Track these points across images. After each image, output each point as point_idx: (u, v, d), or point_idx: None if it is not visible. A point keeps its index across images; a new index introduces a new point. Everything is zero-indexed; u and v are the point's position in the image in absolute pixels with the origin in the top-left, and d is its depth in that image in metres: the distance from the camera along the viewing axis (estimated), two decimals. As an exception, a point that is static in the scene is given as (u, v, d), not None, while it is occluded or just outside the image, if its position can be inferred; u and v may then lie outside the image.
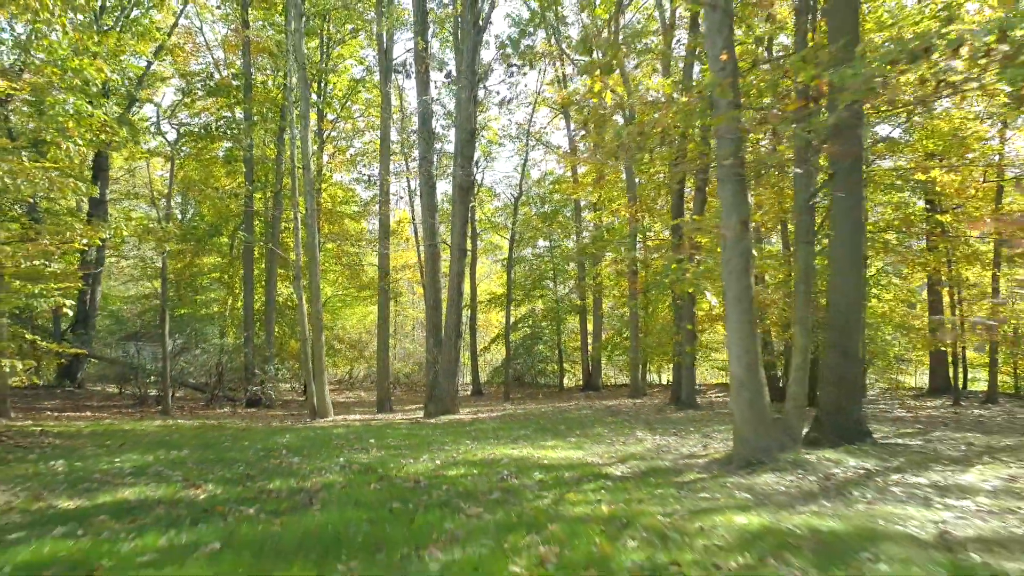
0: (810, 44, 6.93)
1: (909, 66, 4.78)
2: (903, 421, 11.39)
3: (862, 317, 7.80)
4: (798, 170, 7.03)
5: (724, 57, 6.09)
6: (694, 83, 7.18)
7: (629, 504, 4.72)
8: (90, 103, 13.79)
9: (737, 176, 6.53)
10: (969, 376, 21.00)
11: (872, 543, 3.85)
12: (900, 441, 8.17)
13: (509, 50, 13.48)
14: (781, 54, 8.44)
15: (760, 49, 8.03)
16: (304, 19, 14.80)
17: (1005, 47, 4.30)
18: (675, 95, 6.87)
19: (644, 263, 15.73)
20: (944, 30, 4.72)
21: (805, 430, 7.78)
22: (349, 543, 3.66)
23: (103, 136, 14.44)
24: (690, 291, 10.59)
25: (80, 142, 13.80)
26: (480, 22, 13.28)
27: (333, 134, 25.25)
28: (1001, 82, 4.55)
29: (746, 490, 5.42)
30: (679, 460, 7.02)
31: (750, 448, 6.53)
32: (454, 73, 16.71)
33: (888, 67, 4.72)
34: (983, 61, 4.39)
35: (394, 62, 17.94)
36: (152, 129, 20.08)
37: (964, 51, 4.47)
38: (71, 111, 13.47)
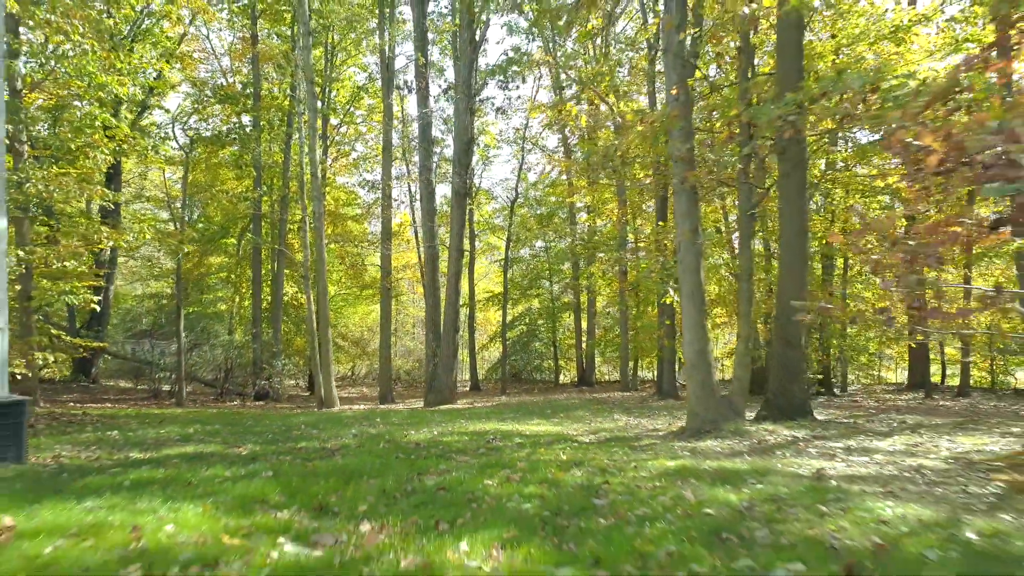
0: (750, 81, 8.25)
1: (812, 106, 6.12)
2: (862, 407, 12.72)
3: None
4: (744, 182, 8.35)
5: (675, 91, 7.42)
6: (650, 112, 8.50)
7: (585, 455, 6.06)
8: (114, 115, 15.19)
9: (689, 190, 7.86)
10: (948, 372, 22.24)
11: (762, 476, 5.17)
12: (840, 420, 9.49)
13: (499, 77, 14.76)
14: (731, 83, 9.73)
15: (705, 86, 9.36)
16: (311, 36, 16.16)
17: (875, 96, 5.63)
18: (639, 122, 8.18)
19: (633, 263, 17.04)
20: (839, 78, 6.05)
21: (757, 410, 9.10)
22: (367, 472, 5.00)
23: (125, 146, 15.84)
24: (654, 288, 11.90)
25: (106, 152, 15.15)
26: (476, 39, 14.61)
27: (336, 138, 26.59)
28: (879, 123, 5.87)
29: (688, 450, 6.75)
30: (642, 433, 8.35)
31: (700, 420, 7.86)
32: (452, 80, 18.04)
33: (795, 107, 6.06)
34: (861, 105, 5.73)
35: (395, 72, 19.29)
36: (164, 135, 21.48)
37: (848, 95, 5.81)
38: (98, 123, 14.86)
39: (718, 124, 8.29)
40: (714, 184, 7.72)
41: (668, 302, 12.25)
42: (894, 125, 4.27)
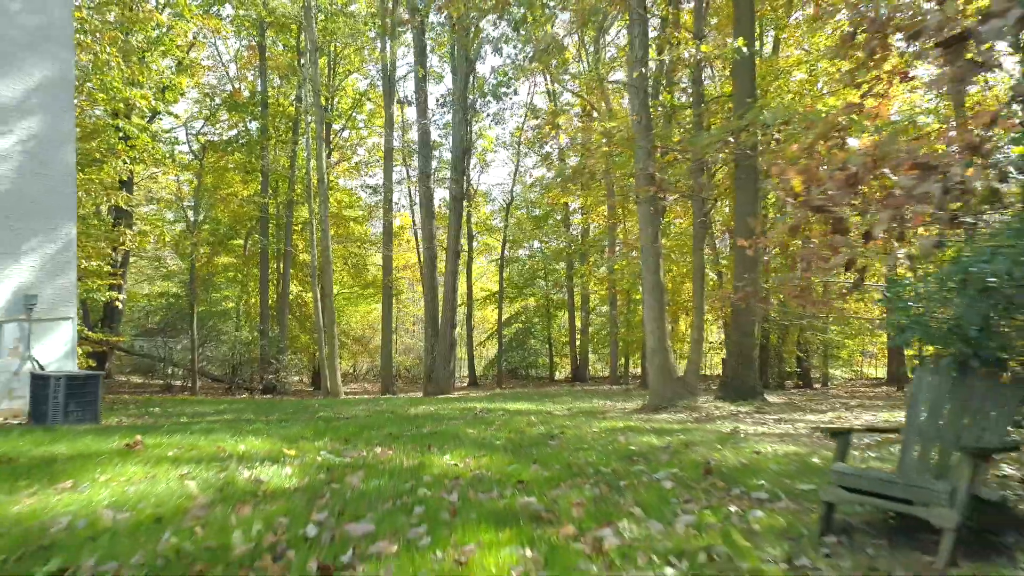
0: (702, 107, 9.75)
1: (737, 136, 7.62)
2: (821, 393, 14.20)
3: (756, 306, 10.59)
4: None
5: (635, 118, 8.92)
6: (614, 133, 9.97)
7: (553, 420, 7.57)
8: (143, 129, 16.72)
9: (649, 201, 9.35)
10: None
11: (689, 432, 6.66)
12: (787, 401, 10.97)
13: (491, 98, 16.24)
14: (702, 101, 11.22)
15: (660, 112, 10.84)
16: (318, 51, 17.66)
17: (788, 128, 7.13)
18: (603, 143, 9.66)
19: (617, 264, 18.51)
20: (759, 112, 7.55)
21: (714, 393, 10.58)
22: (376, 426, 6.51)
23: (145, 154, 17.39)
24: (626, 286, 13.40)
25: (127, 160, 16.69)
26: (471, 58, 16.11)
27: (339, 143, 28.12)
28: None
29: (643, 420, 8.24)
30: (610, 410, 9.84)
31: (659, 397, 9.36)
32: (451, 86, 19.52)
33: (722, 138, 7.55)
34: (774, 139, 7.22)
35: (396, 81, 20.81)
36: (173, 139, 23.04)
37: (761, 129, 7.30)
38: (120, 134, 16.40)
39: (667, 147, 9.74)
40: (663, 196, 9.11)
41: (637, 298, 13.74)
42: (778, 162, 5.74)
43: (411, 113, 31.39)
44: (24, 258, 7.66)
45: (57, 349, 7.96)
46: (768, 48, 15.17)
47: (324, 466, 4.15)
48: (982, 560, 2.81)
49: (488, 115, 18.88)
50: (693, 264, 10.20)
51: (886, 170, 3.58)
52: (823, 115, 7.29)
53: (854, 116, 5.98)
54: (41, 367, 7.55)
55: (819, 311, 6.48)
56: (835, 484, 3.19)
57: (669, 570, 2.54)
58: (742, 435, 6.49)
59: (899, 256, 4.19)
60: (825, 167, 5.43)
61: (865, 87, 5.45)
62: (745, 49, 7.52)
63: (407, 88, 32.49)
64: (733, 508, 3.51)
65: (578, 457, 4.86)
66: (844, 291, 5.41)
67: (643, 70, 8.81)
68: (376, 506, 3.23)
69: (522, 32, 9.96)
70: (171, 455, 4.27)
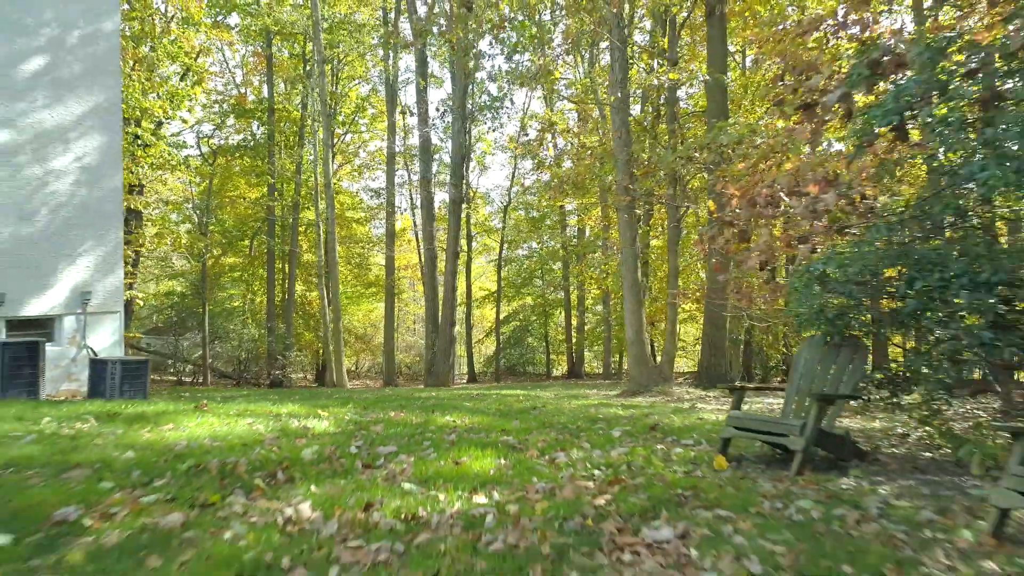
0: (674, 124, 11.05)
1: (697, 155, 8.91)
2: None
3: (728, 301, 11.89)
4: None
5: (616, 134, 10.21)
6: (590, 148, 11.26)
7: (538, 400, 8.87)
8: (153, 135, 18.04)
9: (629, 207, 10.65)
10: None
11: (654, 408, 7.94)
12: (756, 387, 12.23)
13: (488, 113, 17.53)
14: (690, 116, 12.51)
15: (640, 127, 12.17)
16: (324, 63, 18.96)
17: (740, 148, 8.41)
18: (586, 156, 10.96)
19: (607, 266, 19.82)
20: (718, 133, 8.83)
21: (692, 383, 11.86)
22: (386, 401, 7.81)
23: (160, 160, 18.70)
24: (611, 284, 14.70)
25: (145, 166, 17.99)
26: (469, 68, 17.38)
27: (341, 146, 29.42)
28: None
29: (619, 401, 9.52)
30: (593, 395, 11.13)
31: (636, 384, 10.65)
32: (450, 91, 20.81)
33: (685, 157, 8.84)
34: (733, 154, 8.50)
35: (399, 90, 22.11)
36: (181, 142, 24.37)
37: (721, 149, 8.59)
38: (139, 141, 17.71)
39: (641, 162, 11.03)
40: (638, 204, 10.37)
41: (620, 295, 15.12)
42: (719, 178, 7.03)
43: (412, 119, 32.64)
44: (80, 260, 8.97)
45: (107, 338, 9.28)
46: (750, 60, 16.49)
47: (353, 421, 5.45)
48: (822, 473, 4.10)
49: (486, 123, 20.13)
50: (668, 265, 11.49)
51: (781, 193, 4.83)
52: (772, 136, 8.54)
53: (790, 139, 7.26)
54: (95, 353, 8.86)
55: (744, 305, 7.75)
56: (730, 425, 4.49)
57: (597, 471, 3.83)
58: (697, 410, 7.78)
59: (802, 257, 5.47)
60: (761, 184, 6.70)
61: (793, 120, 6.75)
62: (709, 78, 8.80)
63: (409, 93, 33.84)
64: (660, 447, 4.81)
65: (552, 419, 6.16)
66: (760, 287, 6.68)
67: (619, 94, 10.11)
68: (396, 440, 4.53)
69: (514, 60, 11.29)
70: (233, 412, 5.57)
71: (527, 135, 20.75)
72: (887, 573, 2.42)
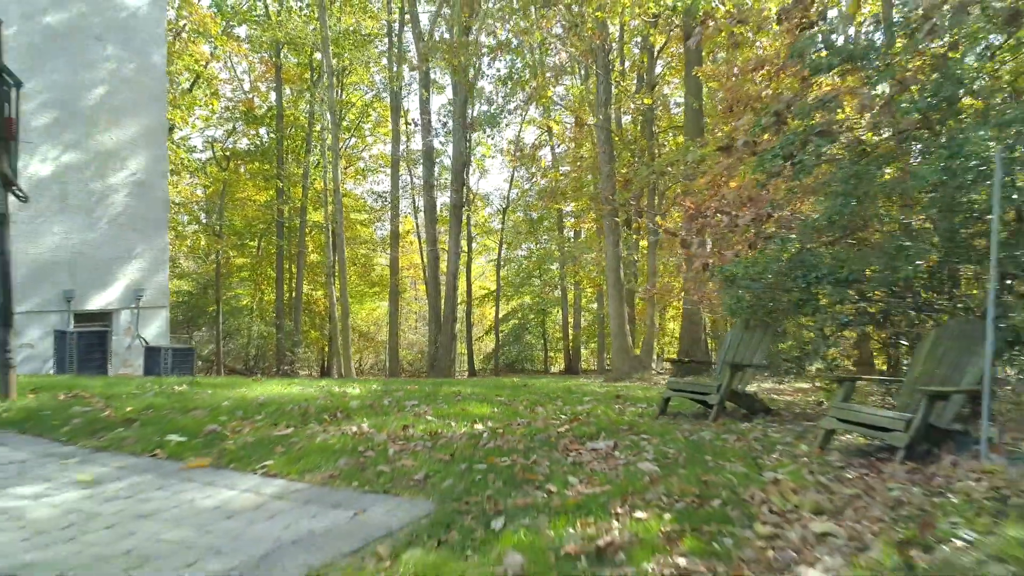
0: (653, 140, 12.60)
1: (667, 170, 10.45)
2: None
3: (691, 299, 13.43)
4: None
5: (600, 150, 11.75)
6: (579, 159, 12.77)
7: (529, 382, 10.42)
8: (170, 141, 19.59)
9: (612, 215, 12.19)
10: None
11: (630, 389, 9.48)
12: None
13: (487, 126, 19.09)
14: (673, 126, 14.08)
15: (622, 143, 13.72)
16: (334, 75, 20.52)
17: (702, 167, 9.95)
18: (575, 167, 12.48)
19: (595, 267, 21.37)
20: (686, 151, 10.38)
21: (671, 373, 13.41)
22: (397, 383, 9.37)
23: (179, 166, 20.25)
24: (599, 281, 16.25)
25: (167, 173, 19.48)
26: (470, 80, 18.93)
27: (346, 150, 30.98)
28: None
29: (601, 383, 11.07)
30: (581, 384, 12.67)
31: (618, 372, 12.20)
32: (451, 96, 22.38)
33: (656, 172, 10.39)
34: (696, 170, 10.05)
35: (403, 98, 23.65)
36: (192, 147, 25.95)
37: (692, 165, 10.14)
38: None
39: (621, 175, 12.57)
40: (622, 211, 11.91)
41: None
42: (680, 191, 8.56)
43: (416, 119, 34.10)
44: (133, 262, 10.53)
45: (155, 330, 10.84)
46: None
47: (379, 390, 7.01)
48: (734, 421, 5.64)
49: (485, 132, 21.68)
50: (648, 265, 13.04)
51: (712, 210, 6.36)
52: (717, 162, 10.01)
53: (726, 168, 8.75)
54: (146, 343, 10.43)
55: (698, 300, 9.31)
56: (669, 388, 6.06)
57: (563, 416, 5.38)
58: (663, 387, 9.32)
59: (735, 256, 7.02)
60: (711, 200, 8.20)
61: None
62: (681, 100, 10.35)
63: (412, 101, 35.36)
64: (617, 407, 6.36)
65: (538, 392, 7.71)
66: (710, 285, 8.18)
67: (600, 116, 11.66)
68: (416, 399, 6.08)
69: (508, 86, 12.84)
70: (282, 385, 7.13)
71: (522, 149, 22.31)
72: (734, 460, 3.97)
